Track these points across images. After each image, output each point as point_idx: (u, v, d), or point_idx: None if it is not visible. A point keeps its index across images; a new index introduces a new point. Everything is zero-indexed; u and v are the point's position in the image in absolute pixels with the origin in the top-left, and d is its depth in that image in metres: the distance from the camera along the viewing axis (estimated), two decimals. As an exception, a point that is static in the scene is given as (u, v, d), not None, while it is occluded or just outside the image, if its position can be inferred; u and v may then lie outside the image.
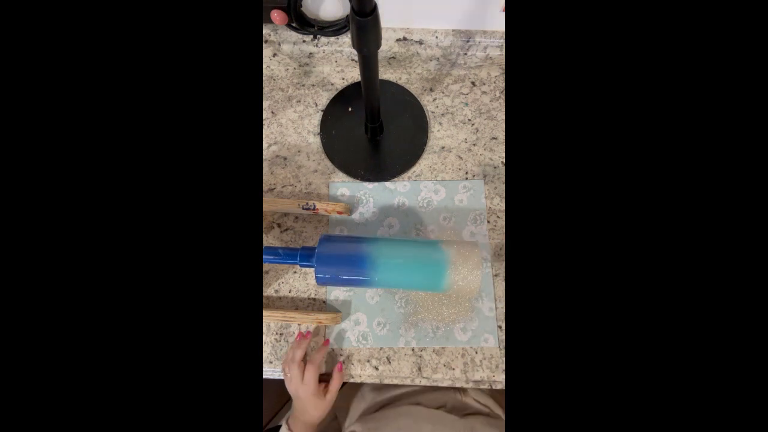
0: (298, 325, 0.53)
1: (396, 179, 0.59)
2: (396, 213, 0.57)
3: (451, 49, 0.61)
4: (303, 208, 0.55)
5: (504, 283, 0.54)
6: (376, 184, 0.59)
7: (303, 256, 0.48)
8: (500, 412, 0.57)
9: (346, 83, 0.63)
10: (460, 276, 0.45)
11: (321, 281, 0.47)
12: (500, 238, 0.56)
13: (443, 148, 0.60)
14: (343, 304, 0.54)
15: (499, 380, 0.51)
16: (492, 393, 0.60)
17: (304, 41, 0.61)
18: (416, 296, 0.54)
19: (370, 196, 0.58)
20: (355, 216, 0.57)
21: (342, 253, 0.48)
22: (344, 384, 0.58)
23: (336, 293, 0.54)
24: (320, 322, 0.52)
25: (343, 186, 0.59)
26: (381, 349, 0.52)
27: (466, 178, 0.58)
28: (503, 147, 0.60)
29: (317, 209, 0.55)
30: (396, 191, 0.58)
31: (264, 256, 0.49)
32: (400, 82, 0.63)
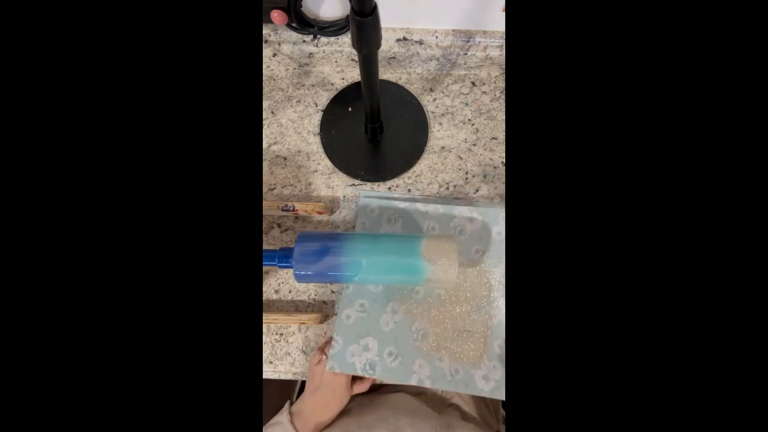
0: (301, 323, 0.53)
1: (400, 180, 0.59)
2: None
3: (451, 49, 0.61)
4: (282, 210, 0.55)
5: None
6: (408, 204, 0.54)
7: (282, 257, 0.48)
8: (471, 410, 0.56)
9: (346, 83, 0.63)
10: (437, 270, 0.45)
11: (300, 278, 0.47)
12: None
13: (443, 148, 0.60)
14: (355, 323, 0.50)
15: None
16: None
17: (304, 41, 0.61)
18: (435, 329, 0.50)
19: (399, 217, 0.54)
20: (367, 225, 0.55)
21: (320, 252, 0.47)
22: None
23: (348, 312, 0.50)
24: (303, 323, 0.52)
25: (375, 201, 0.55)
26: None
27: (467, 179, 0.58)
28: (503, 147, 0.60)
29: (297, 210, 0.55)
30: (427, 215, 0.54)
31: None
32: (400, 82, 0.63)
